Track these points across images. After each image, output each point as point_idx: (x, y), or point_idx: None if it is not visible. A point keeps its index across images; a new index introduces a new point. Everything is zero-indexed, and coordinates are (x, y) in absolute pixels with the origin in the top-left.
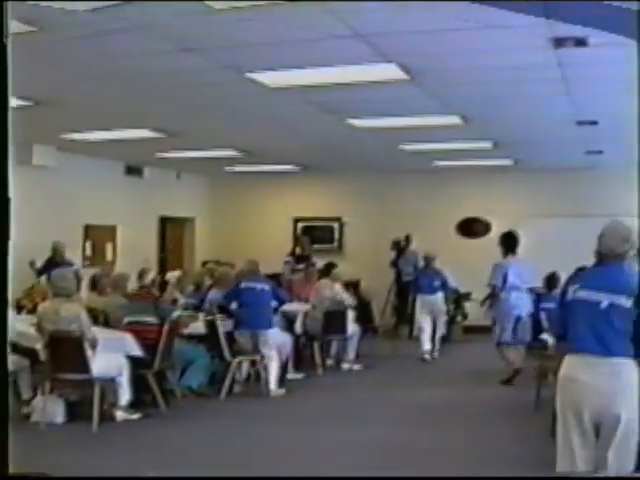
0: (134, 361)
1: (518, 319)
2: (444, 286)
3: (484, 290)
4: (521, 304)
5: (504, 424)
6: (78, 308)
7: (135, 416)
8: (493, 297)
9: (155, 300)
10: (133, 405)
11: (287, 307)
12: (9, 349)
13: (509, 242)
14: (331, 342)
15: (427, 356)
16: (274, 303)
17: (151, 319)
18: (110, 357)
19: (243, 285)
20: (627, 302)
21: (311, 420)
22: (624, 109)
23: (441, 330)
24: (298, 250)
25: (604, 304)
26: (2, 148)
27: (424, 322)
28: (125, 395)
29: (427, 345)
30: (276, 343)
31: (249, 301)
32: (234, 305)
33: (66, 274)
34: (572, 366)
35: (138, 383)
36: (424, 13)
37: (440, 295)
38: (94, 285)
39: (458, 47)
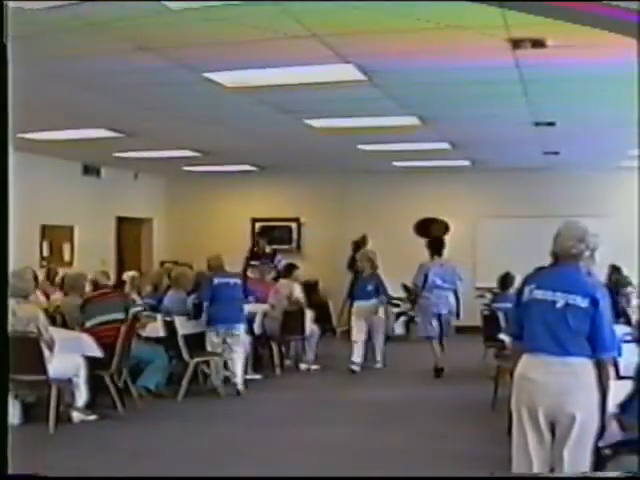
0: (91, 362)
1: (439, 316)
2: (378, 291)
3: None
4: (441, 302)
5: (462, 423)
6: (35, 309)
7: (92, 417)
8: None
9: (124, 297)
10: (90, 406)
11: (245, 307)
12: None
13: (435, 245)
14: (289, 342)
15: (356, 367)
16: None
17: (121, 315)
18: (67, 358)
19: (216, 281)
20: (583, 302)
21: (273, 420)
22: (581, 110)
23: (380, 341)
24: (256, 249)
25: (560, 304)
26: (2, 148)
27: (357, 332)
28: (82, 396)
29: (357, 357)
30: (243, 341)
31: (223, 296)
32: (207, 303)
33: (23, 274)
34: (528, 365)
35: (95, 384)
36: (381, 13)
37: (375, 301)
38: (60, 285)
39: (416, 48)
